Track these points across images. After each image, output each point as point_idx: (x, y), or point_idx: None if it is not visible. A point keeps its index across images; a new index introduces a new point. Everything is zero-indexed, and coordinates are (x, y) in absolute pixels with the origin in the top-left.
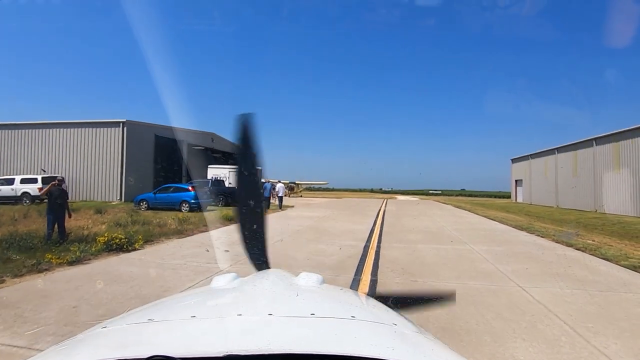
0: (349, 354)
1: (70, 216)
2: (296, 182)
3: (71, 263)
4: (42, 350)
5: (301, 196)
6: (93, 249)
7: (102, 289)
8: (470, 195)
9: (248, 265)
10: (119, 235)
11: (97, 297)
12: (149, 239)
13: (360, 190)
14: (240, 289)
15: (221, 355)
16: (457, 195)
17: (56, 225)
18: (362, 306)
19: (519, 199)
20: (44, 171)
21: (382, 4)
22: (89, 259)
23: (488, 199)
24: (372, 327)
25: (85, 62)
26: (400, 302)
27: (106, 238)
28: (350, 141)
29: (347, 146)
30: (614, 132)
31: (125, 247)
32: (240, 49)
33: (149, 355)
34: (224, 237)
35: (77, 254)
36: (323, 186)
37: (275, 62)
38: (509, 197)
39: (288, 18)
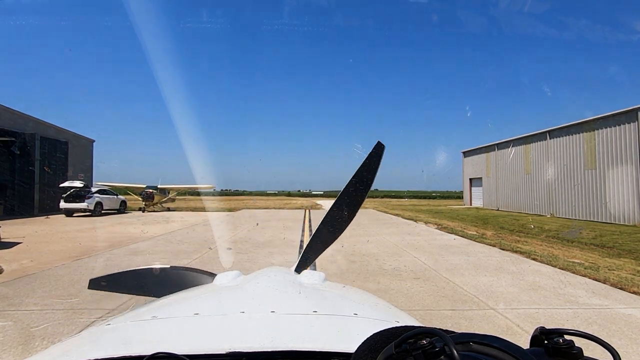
0: (351, 351)
1: None
2: (159, 186)
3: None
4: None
5: (168, 209)
6: None
7: None
8: (416, 197)
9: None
10: None
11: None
12: None
13: (275, 194)
14: (243, 286)
15: (224, 352)
16: (407, 198)
17: None
18: (364, 304)
19: (476, 203)
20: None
21: None
22: None
23: (441, 202)
24: (374, 324)
25: None
26: None
27: None
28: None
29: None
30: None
31: None
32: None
33: (153, 353)
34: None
35: None
36: (206, 191)
37: None
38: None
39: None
